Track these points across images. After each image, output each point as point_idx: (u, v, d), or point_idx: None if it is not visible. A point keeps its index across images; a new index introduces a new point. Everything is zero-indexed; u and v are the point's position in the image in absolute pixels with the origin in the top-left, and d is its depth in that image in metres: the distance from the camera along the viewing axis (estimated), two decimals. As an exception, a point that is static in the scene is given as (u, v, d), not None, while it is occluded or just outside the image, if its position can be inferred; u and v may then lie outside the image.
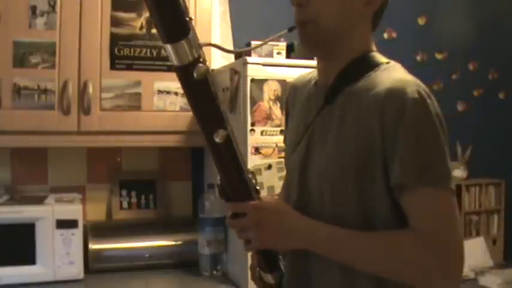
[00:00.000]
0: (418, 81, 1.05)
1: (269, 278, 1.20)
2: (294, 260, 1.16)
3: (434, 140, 1.01)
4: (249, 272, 1.36)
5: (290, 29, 1.14)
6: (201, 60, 0.96)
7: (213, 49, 2.23)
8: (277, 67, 1.93)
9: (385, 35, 2.73)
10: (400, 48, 2.73)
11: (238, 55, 2.02)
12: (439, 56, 2.88)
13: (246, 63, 1.88)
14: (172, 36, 0.92)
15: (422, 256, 0.98)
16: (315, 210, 1.10)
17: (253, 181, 1.10)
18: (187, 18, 0.93)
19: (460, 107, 2.93)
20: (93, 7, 1.98)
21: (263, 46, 2.15)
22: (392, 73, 1.08)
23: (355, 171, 1.04)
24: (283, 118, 1.40)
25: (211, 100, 0.99)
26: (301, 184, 1.15)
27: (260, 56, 2.09)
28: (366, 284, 1.04)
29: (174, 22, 0.92)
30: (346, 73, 1.11)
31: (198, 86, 0.97)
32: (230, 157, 1.05)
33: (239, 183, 1.08)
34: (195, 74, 0.95)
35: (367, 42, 1.14)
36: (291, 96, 1.32)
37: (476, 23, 2.96)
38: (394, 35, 2.75)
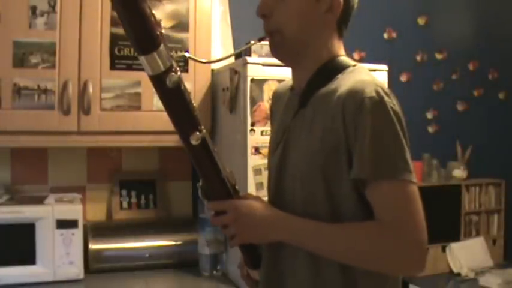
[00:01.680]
0: (379, 82, 1.11)
1: (255, 274, 1.29)
2: (267, 253, 1.22)
3: (390, 135, 1.05)
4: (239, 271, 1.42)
5: (260, 39, 1.20)
6: (173, 69, 1.04)
7: (214, 49, 2.23)
8: (277, 67, 1.92)
9: (385, 35, 2.73)
10: (400, 48, 2.74)
11: (239, 55, 2.02)
12: (439, 56, 2.88)
13: (246, 63, 1.88)
14: (144, 49, 1.02)
15: (384, 245, 1.03)
16: (288, 206, 1.15)
17: (232, 180, 1.18)
18: (158, 32, 1.02)
19: (460, 107, 2.93)
20: (93, 7, 1.98)
21: (263, 46, 2.16)
22: (356, 75, 1.14)
23: (322, 169, 1.09)
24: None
25: (184, 105, 1.08)
26: (276, 184, 1.22)
27: (260, 56, 2.09)
28: (332, 273, 1.10)
29: (145, 36, 1.01)
30: (316, 78, 1.18)
31: (172, 93, 1.06)
32: (207, 158, 1.13)
33: (217, 183, 1.15)
34: (167, 82, 1.04)
35: (334, 48, 1.20)
36: (273, 103, 1.41)
37: (476, 23, 2.96)
38: (394, 35, 2.75)
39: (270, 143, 1.33)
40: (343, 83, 1.12)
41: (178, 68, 1.06)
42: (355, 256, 1.07)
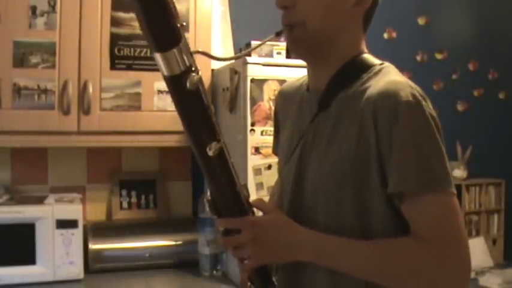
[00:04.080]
0: (412, 83, 1.01)
1: None
2: (286, 273, 1.11)
3: (431, 143, 0.97)
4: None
5: (277, 34, 1.07)
6: (193, 69, 0.91)
7: (214, 49, 2.23)
8: (277, 67, 1.93)
9: (385, 35, 2.73)
10: (400, 48, 2.74)
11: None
12: (439, 56, 2.88)
13: (246, 63, 1.88)
14: (163, 45, 0.87)
15: (428, 263, 0.93)
16: (308, 220, 1.05)
17: (246, 194, 1.05)
18: (179, 25, 0.87)
19: (460, 107, 2.93)
20: (93, 7, 1.98)
21: (263, 46, 2.16)
22: (386, 75, 1.04)
23: (350, 179, 1.00)
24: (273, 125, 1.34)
25: (204, 111, 0.94)
26: (294, 193, 1.11)
27: (260, 56, 2.09)
28: None
29: (165, 29, 0.86)
30: (339, 77, 1.07)
31: (191, 97, 0.92)
32: (223, 170, 1.00)
33: (232, 198, 1.02)
34: (188, 84, 0.90)
35: (359, 44, 1.10)
36: (279, 103, 1.28)
37: (476, 23, 2.96)
38: (394, 35, 2.75)
39: (281, 148, 1.22)
40: (373, 83, 1.02)
41: (198, 68, 0.92)
42: (394, 275, 0.96)
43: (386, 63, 1.09)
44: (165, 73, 0.90)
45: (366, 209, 0.99)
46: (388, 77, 1.02)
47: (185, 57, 0.89)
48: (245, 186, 1.06)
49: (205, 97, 0.94)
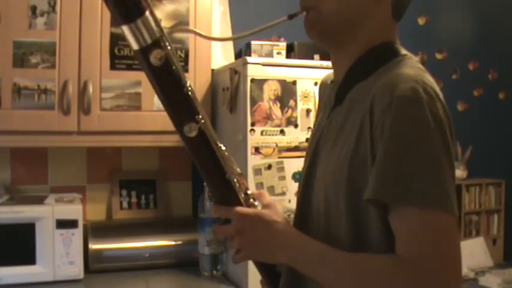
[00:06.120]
0: (426, 78, 0.87)
1: None
2: (286, 277, 1.04)
3: (422, 148, 0.82)
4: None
5: (290, 16, 0.98)
6: (162, 44, 0.86)
7: (214, 49, 2.23)
8: (277, 67, 1.93)
9: (385, 35, 2.74)
10: (400, 48, 2.75)
11: (239, 55, 2.02)
12: (439, 56, 2.88)
13: (246, 63, 1.88)
14: (125, 16, 0.83)
15: (396, 285, 0.81)
16: (312, 226, 0.99)
17: (242, 182, 0.99)
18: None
19: (460, 107, 2.93)
20: (93, 7, 1.98)
21: (263, 46, 2.16)
22: (398, 67, 0.91)
23: (346, 182, 0.89)
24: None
25: (177, 89, 0.89)
26: (303, 195, 1.05)
27: (260, 56, 2.09)
28: None
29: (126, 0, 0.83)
30: (357, 68, 0.96)
31: (160, 73, 0.87)
32: (207, 154, 0.94)
33: (221, 185, 0.97)
34: (151, 59, 0.85)
35: (385, 31, 0.97)
36: (320, 94, 1.18)
37: (476, 23, 2.96)
38: (394, 35, 2.75)
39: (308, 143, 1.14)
40: (384, 75, 0.90)
41: (168, 43, 0.87)
42: None
43: (410, 55, 0.97)
44: (133, 47, 0.86)
45: (360, 218, 0.89)
46: (400, 68, 0.90)
47: (151, 31, 0.85)
48: (241, 175, 1.00)
49: (180, 74, 0.89)
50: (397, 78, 0.86)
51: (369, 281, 0.84)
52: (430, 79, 0.89)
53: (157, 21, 0.86)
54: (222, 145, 0.97)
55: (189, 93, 0.91)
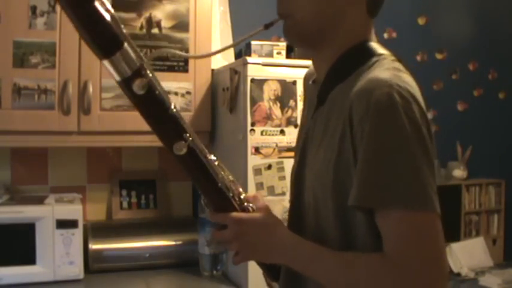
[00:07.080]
0: (400, 81, 0.88)
1: (276, 286, 1.16)
2: (285, 273, 1.09)
3: (400, 152, 0.84)
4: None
5: (266, 26, 1.04)
6: (143, 72, 0.89)
7: (214, 49, 2.23)
8: (277, 67, 1.93)
9: (385, 35, 2.73)
10: (400, 48, 2.71)
11: (239, 55, 2.02)
12: (439, 56, 2.88)
13: (246, 63, 1.88)
14: (103, 51, 0.87)
15: (381, 282, 0.86)
16: (305, 228, 1.03)
17: (234, 189, 1.03)
18: (118, 30, 0.88)
19: (460, 107, 2.93)
20: (93, 7, 1.98)
21: (263, 46, 2.16)
22: (376, 69, 0.93)
23: (332, 184, 0.93)
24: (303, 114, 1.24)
25: (162, 112, 0.92)
26: (294, 197, 1.08)
27: (260, 56, 2.09)
28: None
29: (102, 36, 0.87)
30: (336, 69, 0.99)
31: (144, 100, 0.91)
32: (198, 169, 0.98)
33: (215, 194, 1.01)
34: (134, 89, 0.89)
35: (362, 30, 1.00)
36: (305, 90, 1.22)
37: (476, 23, 2.96)
38: (394, 35, 2.75)
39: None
40: (361, 78, 0.92)
41: (148, 71, 0.90)
42: None
43: (386, 55, 0.98)
44: (115, 78, 0.90)
45: (347, 220, 0.93)
46: (374, 71, 0.92)
47: (131, 62, 0.88)
48: (233, 182, 1.04)
49: (163, 97, 0.92)
50: (372, 83, 0.88)
51: (357, 277, 0.89)
52: (405, 79, 0.90)
53: (136, 51, 0.89)
54: (212, 156, 1.00)
55: (175, 113, 0.94)
